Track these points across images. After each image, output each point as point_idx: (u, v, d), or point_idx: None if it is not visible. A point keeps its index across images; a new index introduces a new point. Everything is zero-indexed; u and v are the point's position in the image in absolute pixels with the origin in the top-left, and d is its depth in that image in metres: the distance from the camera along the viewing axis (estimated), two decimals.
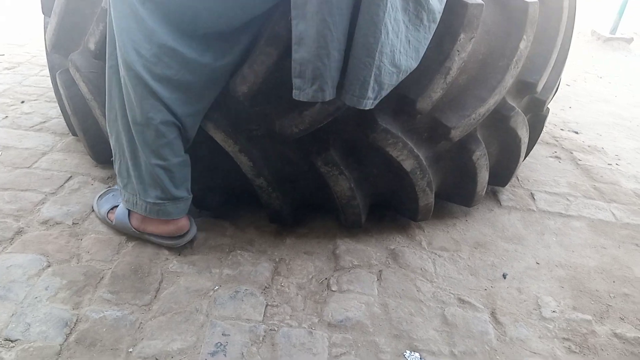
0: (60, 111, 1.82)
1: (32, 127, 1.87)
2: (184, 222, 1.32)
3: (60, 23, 1.47)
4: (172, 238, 1.31)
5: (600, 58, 3.71)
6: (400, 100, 1.29)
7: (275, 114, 1.27)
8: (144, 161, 1.21)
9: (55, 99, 1.90)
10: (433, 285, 1.30)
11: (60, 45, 1.53)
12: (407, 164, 1.36)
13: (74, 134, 1.79)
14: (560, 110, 2.64)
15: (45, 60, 2.41)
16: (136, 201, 1.28)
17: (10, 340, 1.02)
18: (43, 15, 1.63)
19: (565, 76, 3.07)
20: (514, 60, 1.35)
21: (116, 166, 1.30)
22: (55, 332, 1.05)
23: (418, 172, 1.39)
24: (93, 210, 1.44)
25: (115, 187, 1.50)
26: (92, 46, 1.37)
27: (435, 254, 1.43)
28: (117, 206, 1.37)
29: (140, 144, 1.19)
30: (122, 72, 1.13)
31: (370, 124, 1.29)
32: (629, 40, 4.10)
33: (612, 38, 4.08)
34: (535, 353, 1.13)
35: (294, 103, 1.24)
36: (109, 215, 1.38)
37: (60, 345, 1.02)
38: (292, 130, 1.26)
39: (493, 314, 1.23)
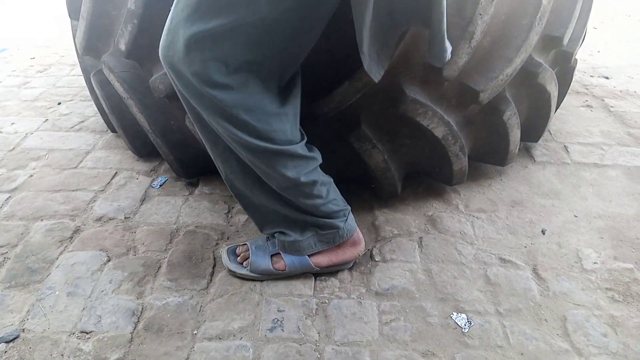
0: (96, 110, 1.89)
1: (72, 127, 1.95)
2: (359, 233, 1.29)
3: (89, 26, 1.51)
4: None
5: None
6: (427, 69, 1.31)
7: (306, 95, 1.30)
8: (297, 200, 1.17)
9: (90, 98, 1.97)
10: (473, 247, 1.34)
11: (90, 48, 1.58)
12: (438, 131, 1.38)
13: (113, 130, 1.86)
14: (588, 55, 2.58)
15: (75, 59, 2.48)
16: (314, 242, 1.23)
17: (85, 332, 1.11)
18: (70, 20, 1.68)
19: (592, 18, 2.98)
20: (538, 17, 1.34)
21: (270, 229, 1.26)
22: (125, 321, 1.13)
23: (450, 138, 1.41)
24: (231, 271, 1.28)
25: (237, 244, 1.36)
26: (122, 47, 1.41)
27: (473, 216, 1.46)
28: (275, 254, 1.27)
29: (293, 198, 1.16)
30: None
31: (398, 95, 1.31)
32: None
33: None
34: (579, 305, 1.16)
35: (323, 84, 1.28)
36: (276, 265, 1.26)
37: (130, 333, 1.11)
38: (323, 110, 1.30)
39: (535, 270, 1.27)
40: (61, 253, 1.33)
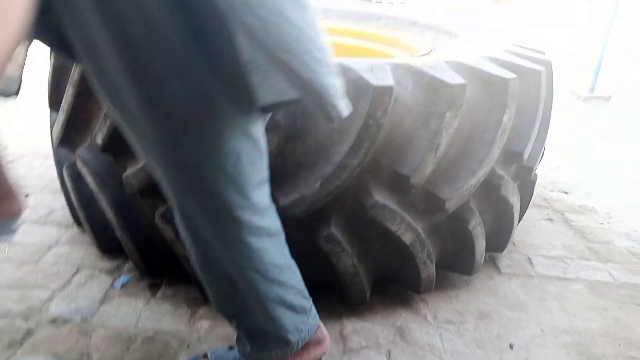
0: (65, 202, 1.86)
1: (37, 220, 1.91)
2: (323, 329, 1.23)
3: (68, 119, 1.54)
4: None
5: (582, 116, 3.85)
6: (395, 176, 1.35)
7: (277, 197, 1.32)
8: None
9: (60, 190, 1.95)
10: None
11: (67, 140, 1.60)
12: (407, 238, 1.40)
13: (79, 224, 1.83)
14: (548, 171, 2.72)
15: (48, 151, 2.48)
16: (279, 351, 1.14)
17: None
18: (50, 111, 1.71)
19: (550, 136, 3.18)
20: (499, 133, 1.43)
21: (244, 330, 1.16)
22: None
23: (417, 245, 1.43)
24: None
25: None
26: (99, 141, 1.43)
27: (442, 327, 1.44)
28: None
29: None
30: None
31: (368, 200, 1.35)
32: (607, 98, 4.28)
33: (591, 97, 4.26)
34: None
35: (295, 185, 1.30)
36: None
37: None
38: (293, 212, 1.31)
39: None
40: (8, 358, 1.24)
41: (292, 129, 1.23)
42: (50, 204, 2.05)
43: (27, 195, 2.12)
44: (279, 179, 1.29)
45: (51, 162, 2.39)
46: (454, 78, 1.30)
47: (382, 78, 1.24)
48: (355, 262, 1.41)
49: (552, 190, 2.47)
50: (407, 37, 2.09)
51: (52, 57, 1.58)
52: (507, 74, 1.40)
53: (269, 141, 1.22)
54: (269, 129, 1.21)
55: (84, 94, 1.43)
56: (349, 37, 2.27)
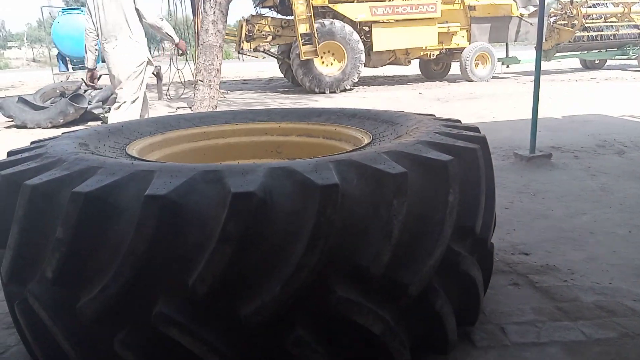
0: (19, 339, 1.77)
1: None
2: None
3: (16, 255, 1.50)
4: None
5: (528, 177, 4.01)
6: (354, 268, 1.36)
7: (238, 306, 1.30)
8: None
9: (13, 326, 1.86)
10: None
11: (16, 277, 1.54)
12: (376, 328, 1.39)
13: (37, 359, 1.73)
14: (506, 234, 2.78)
15: None
16: None
17: None
18: None
19: (503, 200, 3.29)
20: (447, 212, 1.47)
21: None
22: None
23: (388, 334, 1.41)
24: None
25: None
26: (49, 274, 1.39)
27: None
28: None
29: None
30: None
31: (331, 296, 1.34)
32: (549, 156, 4.50)
33: (533, 157, 4.47)
34: None
35: (255, 292, 1.29)
36: None
37: None
38: (257, 319, 1.29)
39: None
40: None
41: (244, 236, 1.23)
42: (4, 340, 1.93)
43: None
44: (237, 288, 1.28)
45: (2, 296, 2.29)
46: (394, 168, 1.36)
47: (327, 177, 1.28)
48: None
49: (513, 254, 2.51)
50: (349, 129, 2.19)
51: None
52: (445, 157, 1.47)
53: (223, 252, 1.22)
54: (221, 240, 1.22)
55: (30, 230, 1.41)
56: (295, 135, 2.35)
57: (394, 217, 1.35)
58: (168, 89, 10.93)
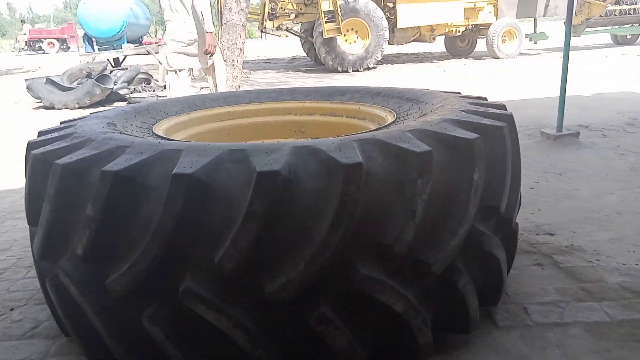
0: (51, 314, 1.83)
1: (24, 335, 1.86)
2: None
3: (47, 233, 1.54)
4: None
5: (555, 156, 3.94)
6: (378, 247, 1.37)
7: (263, 283, 1.32)
8: None
9: (45, 302, 1.92)
10: None
11: (48, 254, 1.59)
12: (399, 307, 1.40)
13: (67, 335, 1.79)
14: (530, 214, 2.75)
15: (31, 261, 2.46)
16: None
17: None
18: (29, 226, 1.72)
19: (528, 179, 3.24)
20: (472, 191, 1.46)
21: None
22: None
23: (411, 312, 1.42)
24: None
25: None
26: (80, 251, 1.43)
27: None
28: None
29: None
30: None
31: (354, 275, 1.35)
32: (576, 135, 4.40)
33: (560, 135, 4.38)
34: None
35: (279, 269, 1.31)
36: None
37: None
38: (282, 296, 1.31)
39: None
40: None
41: (270, 215, 1.25)
42: (36, 316, 2.01)
43: (12, 309, 2.07)
44: (262, 266, 1.30)
45: (34, 272, 2.37)
46: (419, 146, 1.35)
47: (351, 156, 1.28)
48: (351, 338, 1.39)
49: (537, 234, 2.49)
50: (373, 108, 2.18)
51: (28, 173, 1.61)
52: (471, 135, 1.46)
53: (249, 230, 1.24)
54: (247, 219, 1.23)
55: (60, 208, 1.45)
56: (318, 115, 2.35)
57: (418, 196, 1.35)
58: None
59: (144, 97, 7.70)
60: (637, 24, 15.31)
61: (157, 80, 9.37)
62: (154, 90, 8.35)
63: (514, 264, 2.00)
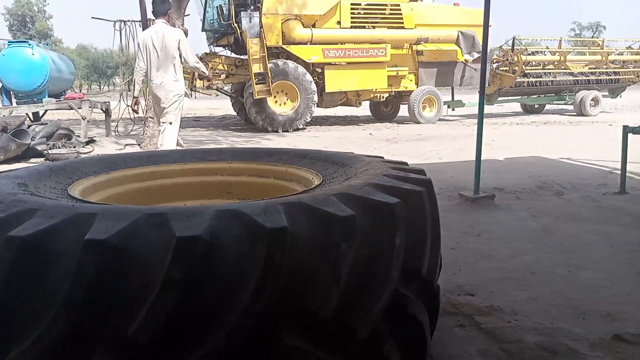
0: None
1: None
2: None
3: None
4: None
5: (473, 217, 4.13)
6: (302, 314, 1.34)
7: (180, 357, 1.25)
8: None
9: None
10: None
11: None
12: None
13: None
14: (452, 274, 2.83)
15: None
16: None
17: None
18: None
19: (448, 240, 3.36)
20: (394, 254, 1.49)
21: None
22: None
23: None
24: None
25: None
26: None
27: None
28: None
29: None
30: None
31: (278, 344, 1.31)
32: (492, 197, 4.65)
33: (477, 197, 4.61)
34: None
35: (200, 340, 1.25)
36: None
37: None
38: None
39: None
40: None
41: (189, 283, 1.20)
42: None
43: None
44: (180, 338, 1.23)
45: None
46: (343, 210, 1.37)
47: (276, 220, 1.27)
48: None
49: (459, 294, 2.55)
50: (300, 170, 2.20)
51: None
52: (392, 199, 1.50)
53: (166, 300, 1.18)
54: (164, 287, 1.18)
55: None
56: (245, 175, 2.34)
57: (342, 261, 1.35)
58: (117, 125, 10.71)
59: (63, 154, 7.37)
60: (543, 95, 16.81)
61: (79, 136, 9.05)
62: (74, 147, 8.04)
63: (438, 325, 2.03)
